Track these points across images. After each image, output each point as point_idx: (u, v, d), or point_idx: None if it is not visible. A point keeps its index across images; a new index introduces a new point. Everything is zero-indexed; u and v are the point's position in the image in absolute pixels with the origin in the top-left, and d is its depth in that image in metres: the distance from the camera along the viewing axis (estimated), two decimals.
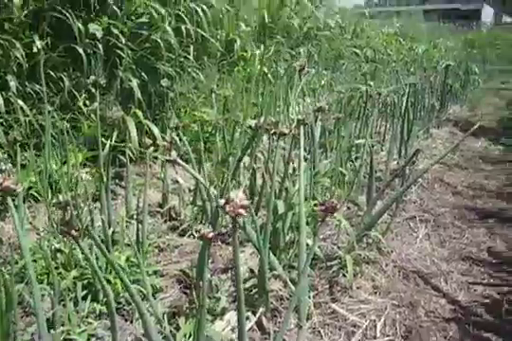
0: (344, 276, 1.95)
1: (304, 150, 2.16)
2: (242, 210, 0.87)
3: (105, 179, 2.25)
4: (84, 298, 1.73)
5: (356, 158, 2.84)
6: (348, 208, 2.59)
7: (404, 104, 3.51)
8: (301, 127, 1.68)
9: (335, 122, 2.83)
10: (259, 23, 5.06)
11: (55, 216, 2.05)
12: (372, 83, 3.65)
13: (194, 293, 1.85)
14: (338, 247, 2.07)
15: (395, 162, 3.41)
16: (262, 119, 1.53)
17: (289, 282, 1.74)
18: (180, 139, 2.69)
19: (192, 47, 3.86)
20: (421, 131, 4.29)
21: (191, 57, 3.79)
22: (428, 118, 4.57)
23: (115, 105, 3.04)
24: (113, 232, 2.17)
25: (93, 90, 2.89)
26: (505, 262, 2.27)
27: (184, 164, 1.64)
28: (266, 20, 5.05)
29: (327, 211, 1.08)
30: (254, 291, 1.82)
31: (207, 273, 1.53)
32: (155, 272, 2.01)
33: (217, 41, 4.36)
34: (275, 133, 1.55)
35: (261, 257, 1.66)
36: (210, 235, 1.18)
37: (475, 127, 2.02)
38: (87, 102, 2.96)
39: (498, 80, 9.97)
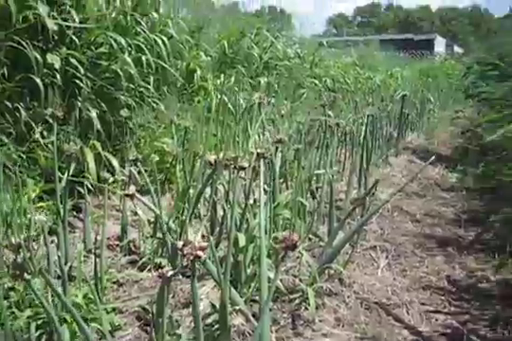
0: (307, 309, 1.93)
1: (265, 181, 2.16)
2: (200, 252, 0.86)
3: (62, 212, 2.20)
4: (39, 339, 1.67)
5: (317, 188, 2.86)
6: (309, 239, 2.59)
7: (363, 133, 3.57)
8: (262, 159, 1.68)
9: (295, 153, 2.85)
10: (219, 53, 5.11)
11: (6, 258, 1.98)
12: (331, 113, 3.70)
13: (154, 330, 1.81)
14: (300, 280, 2.06)
15: (355, 191, 3.44)
16: (221, 155, 1.53)
17: (251, 317, 1.72)
18: (139, 172, 2.67)
19: (152, 78, 3.86)
20: (380, 159, 4.36)
21: (151, 87, 3.79)
22: (386, 147, 4.66)
23: (73, 135, 2.99)
24: (70, 267, 2.11)
25: (50, 121, 2.85)
26: (464, 290, 2.30)
27: (142, 199, 1.62)
28: (227, 50, 5.10)
29: (288, 248, 1.07)
30: (216, 326, 1.79)
31: (167, 309, 1.50)
32: (114, 309, 1.96)
33: (177, 71, 4.38)
34: (235, 167, 1.55)
35: (222, 291, 1.63)
36: (169, 274, 1.15)
37: (432, 158, 2.07)
38: (45, 133, 2.91)
39: (452, 108, 10.27)
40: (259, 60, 5.69)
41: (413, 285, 2.32)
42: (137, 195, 1.61)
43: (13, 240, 1.17)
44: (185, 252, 0.85)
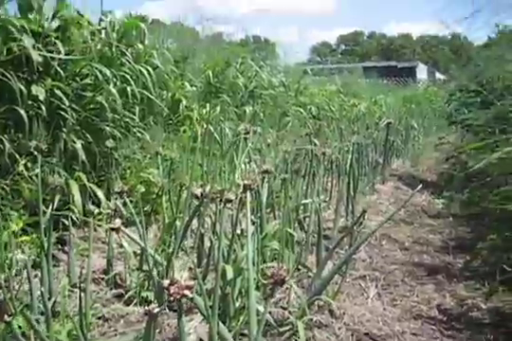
0: None
1: (252, 212, 2.14)
2: (187, 292, 0.84)
3: (46, 245, 2.15)
4: None
5: (305, 218, 2.84)
6: (298, 269, 2.56)
7: (349, 161, 3.58)
8: (248, 191, 1.67)
9: (281, 182, 2.84)
10: (204, 82, 5.14)
11: None
12: (317, 141, 3.71)
13: None
14: (290, 312, 2.02)
15: (343, 219, 3.43)
16: (207, 188, 1.51)
17: None
18: (125, 203, 2.64)
19: (137, 108, 3.86)
20: (367, 187, 4.37)
21: (136, 118, 3.78)
22: (372, 174, 4.67)
23: (58, 167, 2.96)
24: (54, 303, 2.05)
25: (35, 153, 2.83)
26: (455, 319, 2.27)
27: (128, 232, 1.60)
28: (212, 80, 5.13)
29: (276, 284, 1.05)
30: None
31: None
32: None
33: (163, 101, 4.39)
34: (221, 200, 1.53)
35: (210, 325, 1.60)
36: (156, 310, 1.12)
37: (420, 186, 2.07)
38: (29, 165, 2.88)
39: (435, 135, 10.37)
40: (244, 89, 5.73)
41: (404, 315, 2.29)
42: (123, 228, 1.59)
43: None
44: (171, 291, 0.83)
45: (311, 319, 1.98)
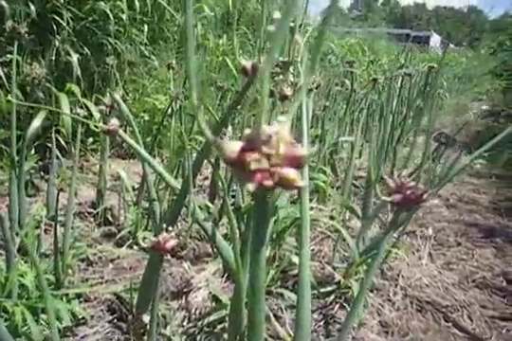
0: (342, 307, 1.42)
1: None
2: None
3: (17, 166, 1.65)
4: None
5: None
6: (331, 218, 2.06)
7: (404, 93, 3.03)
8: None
9: (323, 109, 2.32)
10: (223, 10, 4.52)
11: None
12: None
13: (132, 328, 1.28)
14: (334, 268, 1.54)
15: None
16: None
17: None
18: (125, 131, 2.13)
19: (146, 27, 3.29)
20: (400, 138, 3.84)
21: (144, 36, 3.22)
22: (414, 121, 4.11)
23: (46, 80, 2.43)
24: (23, 237, 1.57)
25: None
26: None
27: (126, 136, 1.09)
28: (230, 8, 4.51)
29: (410, 203, 0.55)
30: (220, 327, 1.27)
31: (158, 300, 0.97)
32: (79, 296, 1.43)
33: (176, 25, 3.81)
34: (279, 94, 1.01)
35: (236, 277, 1.10)
36: (170, 244, 0.63)
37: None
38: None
39: (457, 97, 9.79)
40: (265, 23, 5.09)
41: (465, 282, 1.81)
42: (121, 132, 1.08)
43: None
44: None
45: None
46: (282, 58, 0.94)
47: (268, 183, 0.28)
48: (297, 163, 0.28)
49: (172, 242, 0.66)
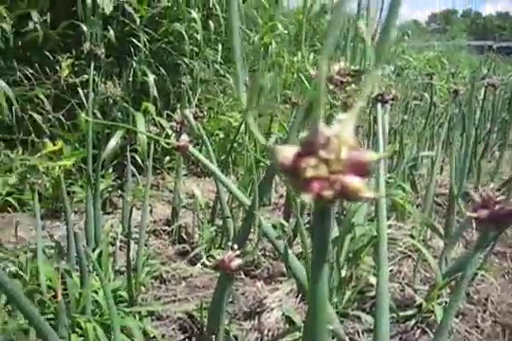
0: (424, 332, 1.32)
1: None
2: None
3: (93, 182, 1.68)
4: None
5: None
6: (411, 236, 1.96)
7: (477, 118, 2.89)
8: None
9: (400, 123, 2.24)
10: (296, 28, 4.51)
11: None
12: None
13: None
14: (415, 290, 1.45)
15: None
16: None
17: None
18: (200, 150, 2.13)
19: (220, 46, 3.32)
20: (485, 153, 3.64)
21: (218, 56, 3.25)
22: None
23: (123, 100, 2.49)
24: (99, 254, 1.58)
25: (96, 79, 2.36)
26: None
27: (197, 153, 1.07)
28: (304, 25, 4.50)
29: (498, 219, 0.49)
30: None
31: (224, 319, 0.93)
32: (151, 313, 1.42)
33: (250, 44, 3.84)
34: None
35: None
36: (235, 263, 0.59)
37: None
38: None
39: None
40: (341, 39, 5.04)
41: None
42: (191, 147, 1.06)
43: None
44: None
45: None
46: (353, 66, 0.89)
47: (328, 193, 0.23)
48: (362, 170, 0.24)
49: (237, 262, 0.63)
